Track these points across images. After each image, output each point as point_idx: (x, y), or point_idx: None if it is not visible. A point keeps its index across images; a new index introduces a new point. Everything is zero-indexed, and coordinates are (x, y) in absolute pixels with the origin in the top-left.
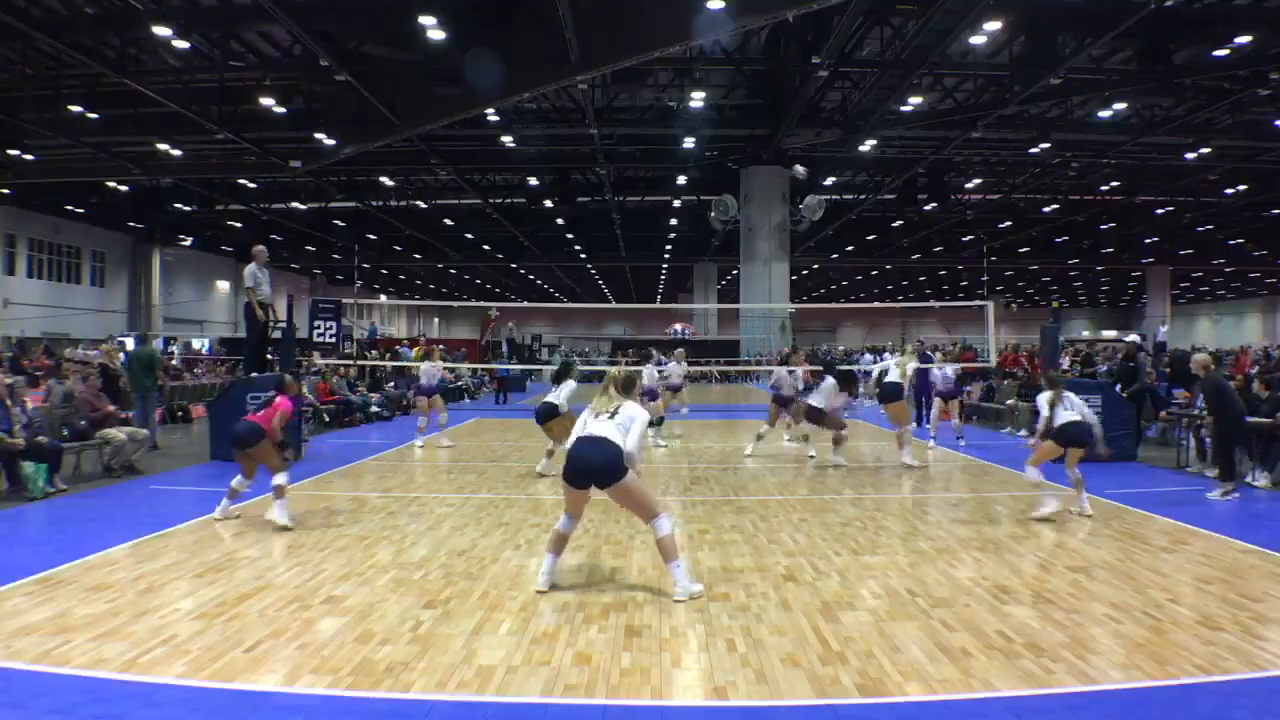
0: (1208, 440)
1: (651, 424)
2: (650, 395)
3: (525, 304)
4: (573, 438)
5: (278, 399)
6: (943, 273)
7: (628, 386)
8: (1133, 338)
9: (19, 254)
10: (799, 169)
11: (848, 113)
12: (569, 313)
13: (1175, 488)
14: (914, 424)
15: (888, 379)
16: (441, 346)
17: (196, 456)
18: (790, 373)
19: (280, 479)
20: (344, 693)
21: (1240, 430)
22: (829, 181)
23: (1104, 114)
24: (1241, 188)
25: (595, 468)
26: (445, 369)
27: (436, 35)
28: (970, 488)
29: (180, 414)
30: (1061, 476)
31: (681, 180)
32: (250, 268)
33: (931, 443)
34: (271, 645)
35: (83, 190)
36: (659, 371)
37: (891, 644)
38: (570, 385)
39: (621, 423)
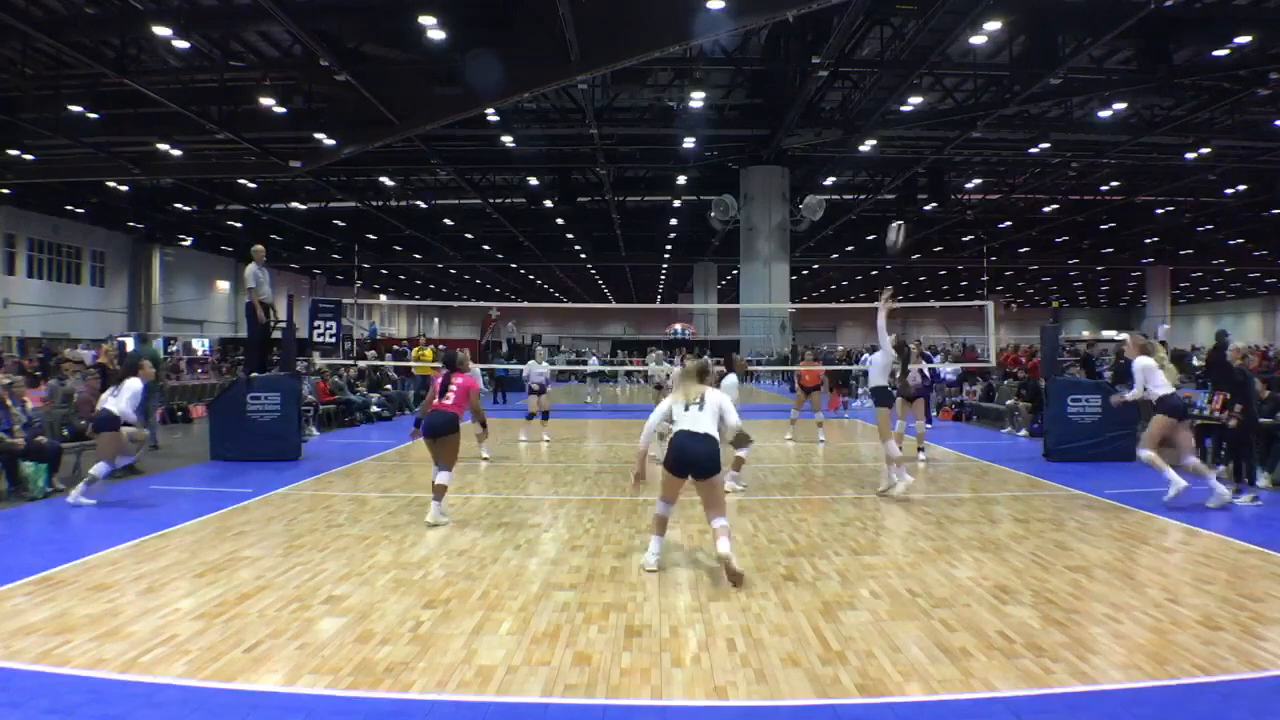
0: (1208, 441)
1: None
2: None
3: (525, 304)
4: (655, 423)
5: (458, 380)
6: (943, 273)
7: (702, 375)
8: (1125, 336)
9: (19, 254)
10: None
11: (848, 113)
12: (569, 313)
13: None
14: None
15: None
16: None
17: (196, 456)
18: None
19: (443, 478)
20: (344, 693)
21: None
22: (829, 181)
23: (1104, 114)
24: (1241, 188)
25: (700, 461)
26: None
27: (436, 35)
28: (970, 488)
29: (180, 414)
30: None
31: (681, 180)
32: (251, 268)
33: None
34: (271, 645)
35: (83, 190)
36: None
37: (891, 644)
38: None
39: (711, 412)
